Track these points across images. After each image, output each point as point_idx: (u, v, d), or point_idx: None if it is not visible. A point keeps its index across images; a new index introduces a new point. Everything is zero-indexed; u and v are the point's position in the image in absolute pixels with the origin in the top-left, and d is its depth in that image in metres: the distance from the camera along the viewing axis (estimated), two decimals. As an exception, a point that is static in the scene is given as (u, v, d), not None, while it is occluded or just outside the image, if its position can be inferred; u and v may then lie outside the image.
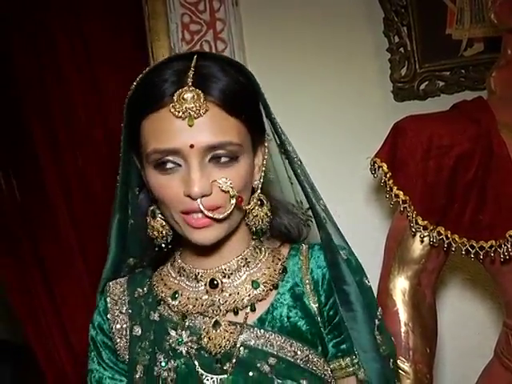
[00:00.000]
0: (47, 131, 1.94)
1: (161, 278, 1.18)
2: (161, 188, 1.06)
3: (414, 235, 1.46)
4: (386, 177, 1.46)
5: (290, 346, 1.09)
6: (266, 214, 1.12)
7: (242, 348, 1.09)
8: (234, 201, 1.04)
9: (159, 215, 1.12)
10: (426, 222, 1.43)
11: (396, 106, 1.89)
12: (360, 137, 1.86)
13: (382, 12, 1.89)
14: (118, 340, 1.17)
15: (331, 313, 1.12)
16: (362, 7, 1.91)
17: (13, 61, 1.93)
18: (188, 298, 1.12)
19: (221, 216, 1.04)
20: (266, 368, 1.08)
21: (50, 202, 1.93)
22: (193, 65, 1.04)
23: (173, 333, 1.12)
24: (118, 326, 1.17)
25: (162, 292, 1.15)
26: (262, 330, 1.10)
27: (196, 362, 1.10)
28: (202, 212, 1.03)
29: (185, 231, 1.07)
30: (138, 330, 1.16)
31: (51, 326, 1.95)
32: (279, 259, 1.15)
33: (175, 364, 1.11)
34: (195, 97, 1.01)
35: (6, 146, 1.98)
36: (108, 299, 1.20)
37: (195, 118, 1.00)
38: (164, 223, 1.13)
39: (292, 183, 1.20)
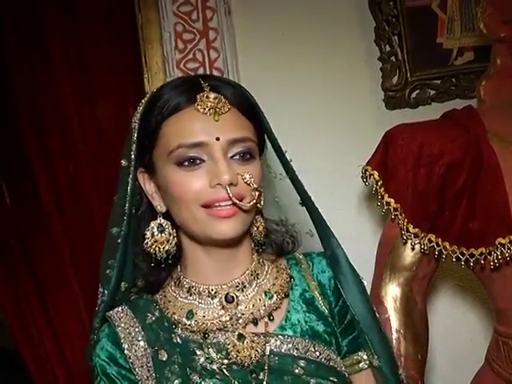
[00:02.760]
0: (39, 139, 1.93)
1: (167, 300, 1.17)
2: (182, 185, 1.09)
3: (405, 242, 1.47)
4: (377, 185, 1.47)
5: (314, 348, 1.14)
6: (264, 226, 1.19)
7: (271, 356, 1.12)
8: (257, 193, 1.09)
9: (168, 229, 1.14)
10: (416, 229, 1.44)
11: (387, 114, 1.90)
12: (351, 145, 1.87)
13: (373, 21, 1.91)
14: (139, 369, 1.12)
15: (342, 312, 1.19)
16: (354, 17, 1.92)
17: (5, 68, 1.93)
18: (204, 316, 1.13)
19: (247, 205, 1.08)
20: (299, 370, 1.12)
21: (43, 211, 1.92)
22: (203, 79, 1.13)
23: (199, 352, 1.12)
24: (138, 355, 1.12)
25: (175, 314, 1.14)
26: (286, 336, 1.14)
27: (231, 377, 1.11)
28: (230, 199, 1.06)
29: (206, 226, 1.09)
30: (163, 355, 1.12)
31: (43, 336, 1.94)
32: (283, 269, 1.20)
33: (211, 382, 1.10)
34: (217, 97, 1.10)
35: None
36: (119, 329, 1.13)
37: (220, 115, 1.08)
38: (170, 238, 1.14)
39: (278, 202, 1.24)
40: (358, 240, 1.82)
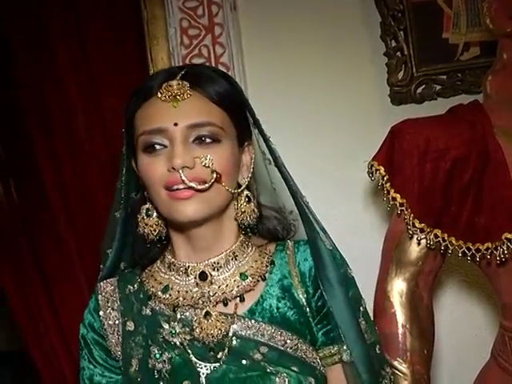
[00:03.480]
0: (46, 139, 1.93)
1: (151, 274, 1.24)
2: (148, 169, 1.14)
3: (411, 238, 1.47)
4: (383, 180, 1.47)
5: (280, 336, 1.15)
6: (254, 210, 1.20)
7: (234, 338, 1.15)
8: (214, 175, 1.11)
9: (155, 213, 1.19)
10: (422, 224, 1.44)
11: (393, 110, 1.90)
12: (357, 140, 1.87)
13: (379, 17, 1.90)
14: (110, 336, 1.22)
15: (319, 303, 1.18)
16: (360, 12, 1.92)
17: (12, 69, 1.93)
18: (178, 291, 1.18)
19: (200, 186, 1.11)
20: (259, 356, 1.14)
21: (50, 210, 1.93)
22: (184, 69, 1.18)
23: (166, 325, 1.17)
24: (111, 323, 1.22)
25: (153, 287, 1.21)
26: (253, 321, 1.16)
27: (190, 352, 1.15)
28: (183, 182, 1.10)
29: (170, 208, 1.13)
30: (130, 325, 1.20)
31: (50, 331, 1.95)
32: (266, 254, 1.22)
33: (169, 355, 1.15)
34: (180, 84, 1.14)
35: (4, 153, 1.99)
36: (99, 297, 1.24)
37: (179, 101, 1.12)
38: (158, 221, 1.20)
39: (275, 189, 1.27)
40: (364, 235, 1.83)
